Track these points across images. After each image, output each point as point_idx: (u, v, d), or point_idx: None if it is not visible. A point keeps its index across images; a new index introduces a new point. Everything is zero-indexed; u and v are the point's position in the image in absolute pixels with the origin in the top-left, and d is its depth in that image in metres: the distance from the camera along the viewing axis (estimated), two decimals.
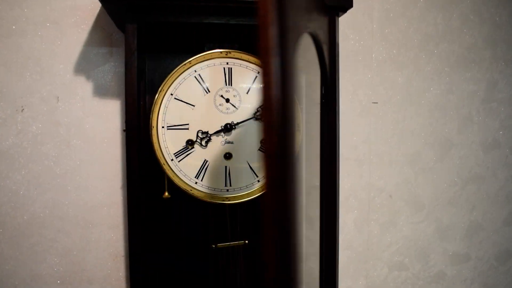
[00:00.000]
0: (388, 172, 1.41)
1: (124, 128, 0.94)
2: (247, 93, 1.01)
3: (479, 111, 1.50)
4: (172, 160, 0.98)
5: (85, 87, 1.18)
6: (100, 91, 1.19)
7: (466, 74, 1.48)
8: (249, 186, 1.02)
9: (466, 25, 1.48)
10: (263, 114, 0.47)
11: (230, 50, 1.01)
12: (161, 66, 1.17)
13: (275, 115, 0.47)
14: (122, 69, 1.20)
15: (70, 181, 1.18)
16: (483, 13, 1.50)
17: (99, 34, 1.19)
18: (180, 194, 1.00)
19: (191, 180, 0.99)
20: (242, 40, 1.09)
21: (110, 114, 1.20)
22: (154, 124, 0.97)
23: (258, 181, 1.03)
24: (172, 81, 0.98)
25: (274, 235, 0.48)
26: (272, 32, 0.48)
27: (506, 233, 1.55)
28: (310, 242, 1.08)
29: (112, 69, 1.20)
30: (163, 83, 0.97)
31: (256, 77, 1.02)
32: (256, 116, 1.01)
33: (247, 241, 1.12)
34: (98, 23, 1.18)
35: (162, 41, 1.16)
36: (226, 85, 1.00)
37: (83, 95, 1.18)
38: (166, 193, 1.01)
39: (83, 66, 1.18)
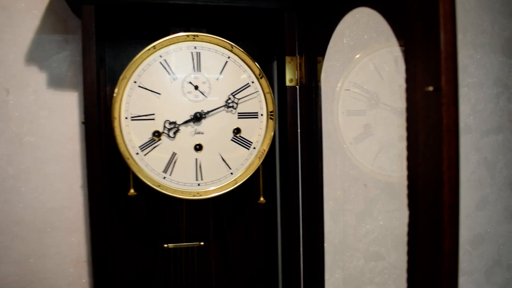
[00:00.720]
0: (362, 161, 1.38)
1: (83, 120, 0.86)
2: (217, 79, 0.94)
3: None
4: (137, 154, 0.90)
5: (38, 78, 1.08)
6: (56, 82, 1.09)
7: None
8: (222, 179, 0.96)
9: None
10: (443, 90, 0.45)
11: (197, 34, 0.93)
12: (123, 53, 1.09)
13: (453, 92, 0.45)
14: (79, 58, 1.10)
15: (24, 182, 1.07)
16: None
17: (53, 20, 1.08)
18: (148, 191, 0.93)
19: (159, 175, 0.92)
20: (210, 23, 1.02)
21: (68, 107, 1.10)
22: (116, 115, 0.88)
23: (231, 173, 0.96)
24: (135, 67, 0.90)
25: (451, 220, 0.44)
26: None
27: (479, 218, 1.55)
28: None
29: (68, 58, 1.10)
30: (125, 69, 0.89)
31: (227, 62, 0.95)
32: (228, 104, 0.94)
33: (202, 243, 1.05)
34: (51, 8, 1.08)
35: (123, 25, 1.07)
36: (194, 71, 0.93)
37: (37, 87, 1.08)
38: (132, 190, 0.93)
39: (35, 55, 1.08)
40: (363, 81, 1.36)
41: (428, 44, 0.50)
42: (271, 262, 1.20)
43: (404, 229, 1.41)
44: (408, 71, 0.56)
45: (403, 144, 1.40)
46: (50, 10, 1.08)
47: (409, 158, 0.56)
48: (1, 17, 1.05)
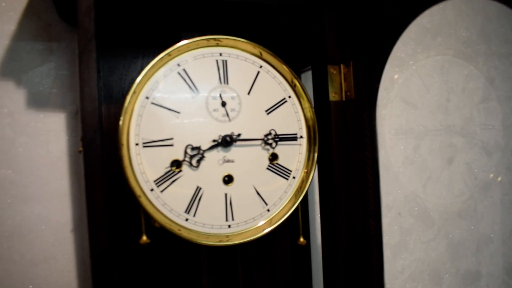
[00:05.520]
0: (395, 186, 1.21)
1: (81, 148, 0.65)
2: (248, 93, 0.76)
3: (480, 110, 1.36)
4: (152, 190, 0.69)
5: (15, 96, 0.87)
6: (37, 102, 0.88)
7: (464, 71, 1.34)
8: (257, 218, 0.76)
9: (460, 17, 1.34)
10: None
11: (221, 37, 0.75)
12: (121, 65, 0.89)
13: None
14: (66, 72, 0.89)
15: None
16: (474, 4, 1.37)
17: (33, 24, 0.88)
18: (165, 236, 0.72)
19: (180, 216, 0.71)
20: (231, 26, 0.84)
21: (52, 132, 0.89)
22: (124, 141, 0.68)
23: (268, 210, 0.77)
24: (146, 80, 0.70)
25: None
26: None
27: None
28: None
29: (53, 71, 0.89)
30: (135, 83, 0.69)
31: (259, 72, 0.77)
32: (266, 140, 0.76)
33: None
34: (31, 9, 0.87)
35: (120, 31, 0.87)
36: (221, 83, 0.74)
37: (13, 108, 0.86)
38: (144, 237, 0.71)
39: (11, 68, 0.86)
40: (408, 95, 1.21)
41: None
42: None
43: (441, 260, 1.24)
44: None
45: (436, 165, 1.23)
46: (29, 12, 0.87)
47: None
48: None
